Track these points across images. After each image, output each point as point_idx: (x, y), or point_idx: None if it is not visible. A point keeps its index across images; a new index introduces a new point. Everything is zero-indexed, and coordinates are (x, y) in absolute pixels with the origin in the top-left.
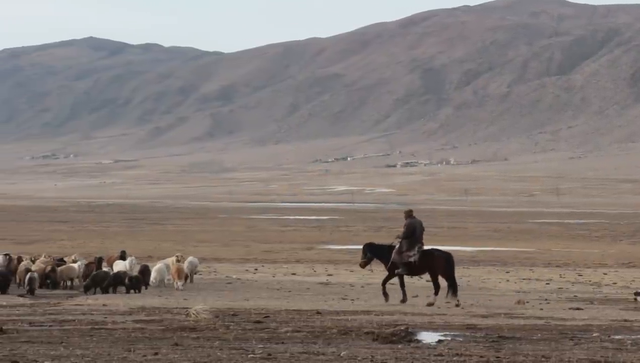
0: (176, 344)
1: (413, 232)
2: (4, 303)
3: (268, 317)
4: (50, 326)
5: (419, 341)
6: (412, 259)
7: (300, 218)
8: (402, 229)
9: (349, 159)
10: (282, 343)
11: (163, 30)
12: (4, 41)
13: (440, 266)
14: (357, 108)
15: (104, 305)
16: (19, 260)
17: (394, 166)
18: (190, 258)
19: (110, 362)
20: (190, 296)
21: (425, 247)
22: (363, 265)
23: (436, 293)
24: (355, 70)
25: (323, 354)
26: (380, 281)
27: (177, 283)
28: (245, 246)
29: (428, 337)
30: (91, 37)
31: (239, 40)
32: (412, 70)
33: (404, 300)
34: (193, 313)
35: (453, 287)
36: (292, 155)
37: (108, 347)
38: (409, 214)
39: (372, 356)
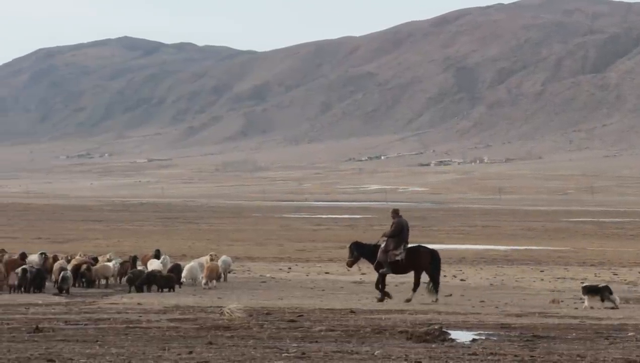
0: (210, 343)
1: (400, 231)
2: (40, 302)
3: (302, 315)
4: (86, 325)
5: (452, 340)
6: (398, 258)
7: (334, 217)
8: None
9: (382, 157)
10: (316, 342)
11: (197, 30)
12: (39, 41)
13: (425, 262)
14: (390, 107)
15: (138, 304)
16: (55, 259)
17: (428, 165)
18: (223, 257)
19: (145, 361)
20: (224, 295)
21: (410, 245)
22: (350, 264)
23: (415, 290)
24: (388, 69)
25: (357, 353)
26: (376, 281)
27: (203, 280)
28: (279, 245)
29: (462, 336)
30: (125, 37)
31: (272, 39)
32: (445, 69)
33: (381, 300)
34: (227, 312)
35: (434, 283)
36: (325, 154)
37: (143, 346)
38: (396, 213)
39: (406, 355)
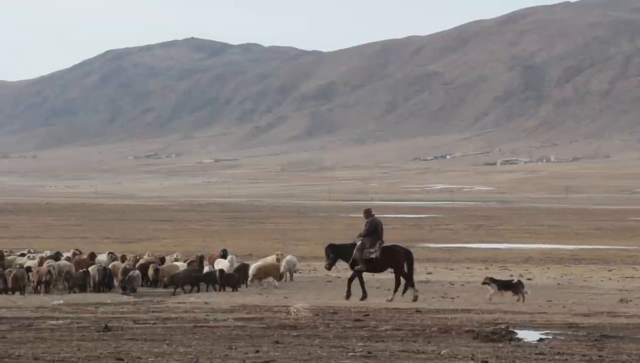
0: (277, 342)
1: (375, 230)
2: (109, 301)
3: (368, 315)
4: (154, 324)
5: (519, 339)
6: (373, 256)
7: (399, 217)
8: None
9: (448, 157)
10: (382, 341)
11: (263, 30)
12: (108, 43)
13: (400, 261)
14: (456, 106)
15: (205, 303)
16: (123, 259)
17: (494, 164)
18: (288, 257)
19: (212, 360)
20: (291, 294)
21: (386, 244)
22: (328, 267)
23: (396, 290)
24: (454, 68)
25: (423, 352)
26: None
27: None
28: None
29: (529, 336)
30: (192, 38)
31: (338, 39)
32: (511, 68)
33: (364, 297)
34: (293, 312)
35: (410, 282)
36: (390, 154)
37: (210, 345)
38: (369, 213)
39: (472, 354)
